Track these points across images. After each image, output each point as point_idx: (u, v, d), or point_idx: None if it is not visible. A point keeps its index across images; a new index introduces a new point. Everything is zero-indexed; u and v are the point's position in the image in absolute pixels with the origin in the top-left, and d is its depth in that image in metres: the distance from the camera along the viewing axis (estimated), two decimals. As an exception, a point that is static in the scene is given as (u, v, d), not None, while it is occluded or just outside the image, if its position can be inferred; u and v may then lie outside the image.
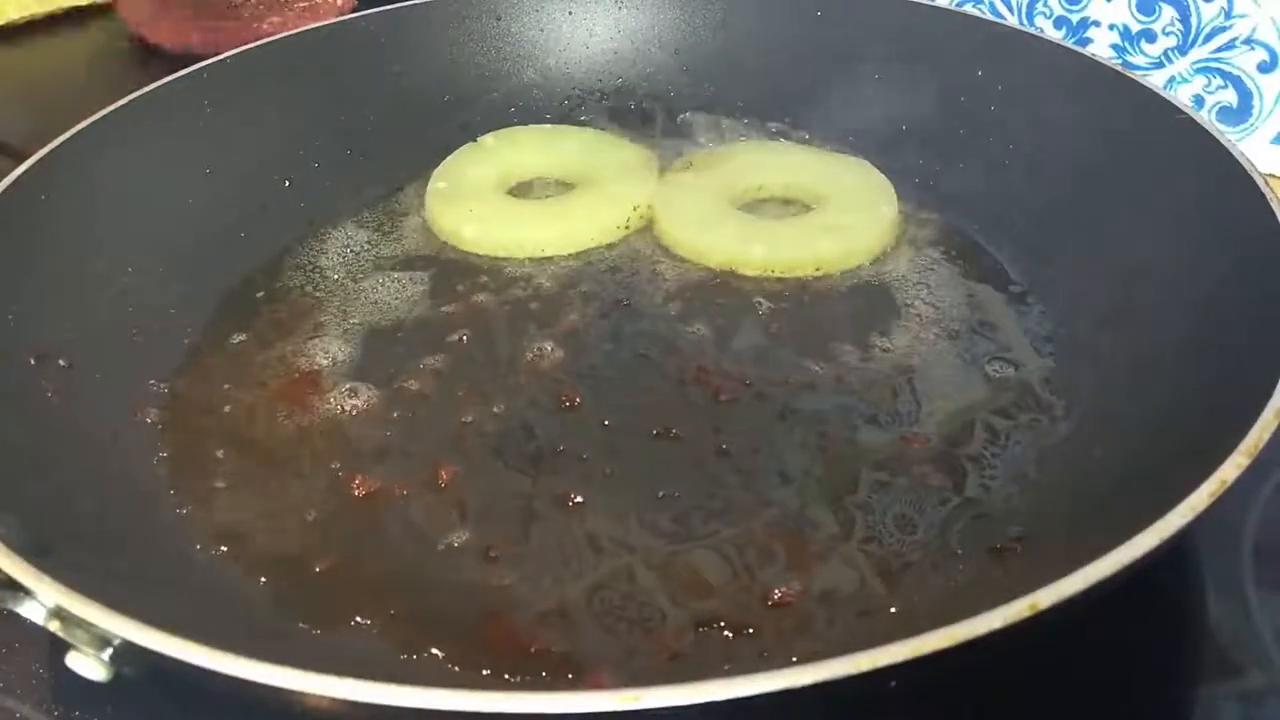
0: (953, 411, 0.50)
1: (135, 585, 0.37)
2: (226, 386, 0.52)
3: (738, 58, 0.72)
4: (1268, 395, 0.37)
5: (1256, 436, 0.36)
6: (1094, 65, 0.60)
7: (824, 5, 0.70)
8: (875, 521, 0.44)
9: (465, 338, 0.55)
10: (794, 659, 0.31)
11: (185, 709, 0.39)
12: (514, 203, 0.65)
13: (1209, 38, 0.71)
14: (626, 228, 0.63)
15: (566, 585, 0.42)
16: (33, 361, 0.48)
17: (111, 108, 0.58)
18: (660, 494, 0.46)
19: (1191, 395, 0.43)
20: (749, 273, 0.59)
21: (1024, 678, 0.40)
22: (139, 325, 0.53)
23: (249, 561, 0.44)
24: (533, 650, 0.40)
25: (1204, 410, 0.41)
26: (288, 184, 0.64)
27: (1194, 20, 0.71)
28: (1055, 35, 0.75)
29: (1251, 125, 0.72)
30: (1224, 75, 0.71)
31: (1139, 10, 0.73)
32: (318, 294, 0.59)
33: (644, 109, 0.72)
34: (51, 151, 0.55)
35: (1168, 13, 0.72)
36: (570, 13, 0.74)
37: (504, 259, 0.61)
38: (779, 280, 0.59)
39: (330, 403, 0.51)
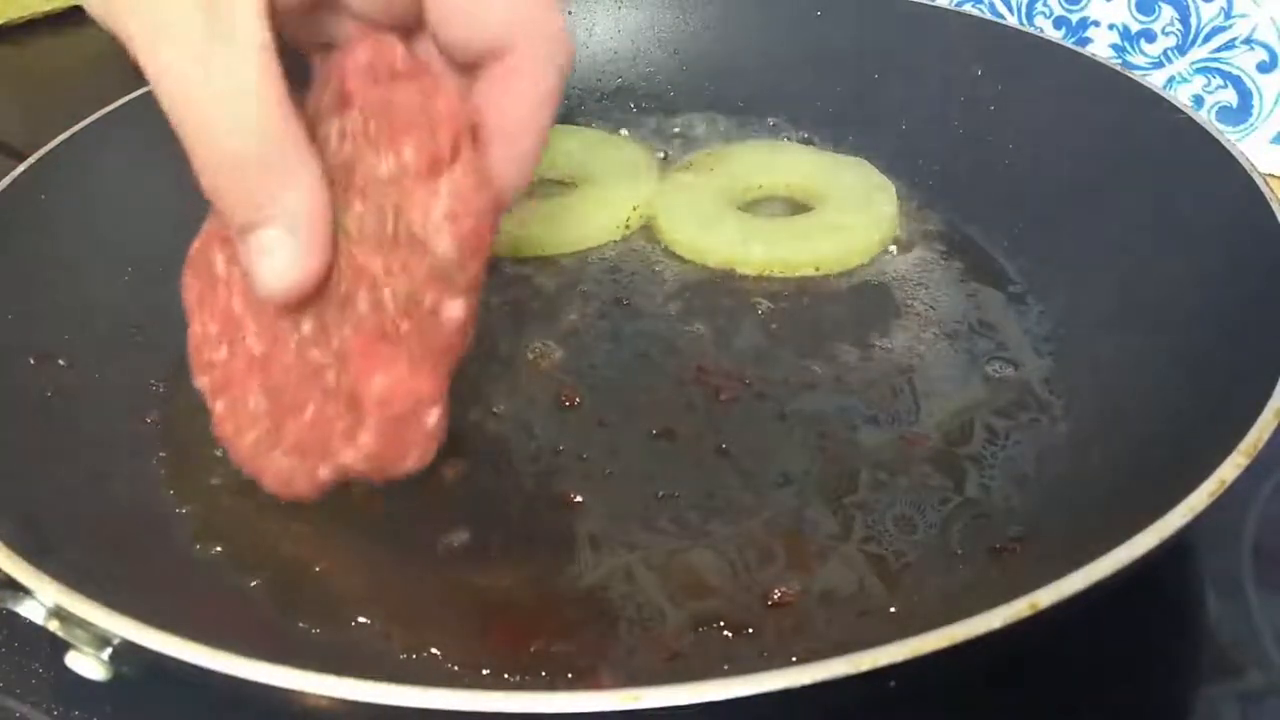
0: (952, 411, 0.50)
1: (135, 585, 0.37)
2: (226, 386, 0.52)
3: (738, 57, 0.72)
4: (1267, 395, 0.37)
5: (1256, 436, 0.36)
6: (1094, 65, 0.60)
7: (824, 5, 0.70)
8: (875, 521, 0.44)
9: (465, 337, 0.55)
10: (794, 659, 0.31)
11: (185, 709, 0.39)
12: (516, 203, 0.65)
13: (1209, 38, 0.71)
14: (626, 228, 0.63)
15: (566, 585, 0.42)
16: (32, 361, 0.48)
17: (111, 107, 0.58)
18: (660, 494, 0.46)
19: (1191, 395, 0.43)
20: (749, 273, 0.59)
21: (1024, 678, 0.40)
22: (139, 325, 0.53)
23: (249, 561, 0.44)
24: (533, 650, 0.40)
25: (1204, 410, 0.41)
26: (287, 184, 0.64)
27: (1194, 20, 0.71)
28: (1055, 35, 0.75)
29: (1251, 125, 0.72)
30: (1224, 75, 0.71)
31: (1138, 10, 0.73)
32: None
33: (644, 109, 0.73)
34: (51, 151, 0.55)
35: (1167, 12, 0.72)
36: (569, 12, 0.74)
37: (504, 259, 0.61)
38: (779, 280, 0.59)
39: (330, 403, 0.51)
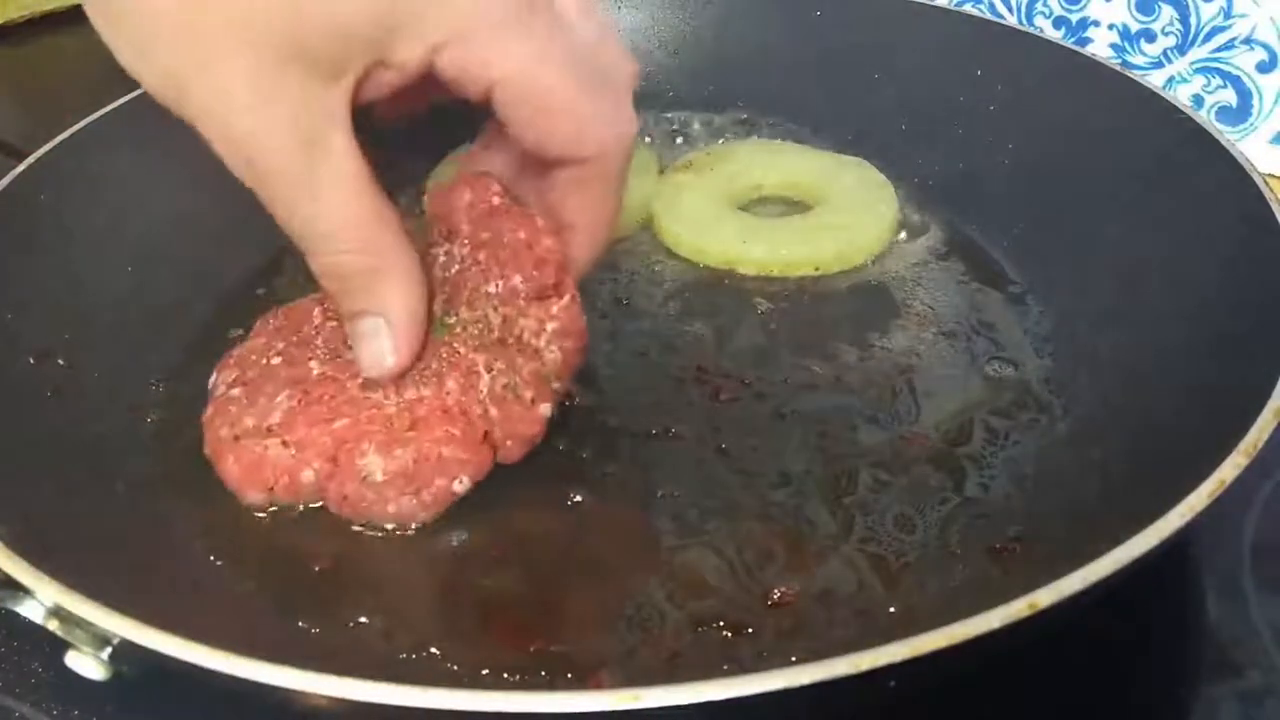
0: (952, 411, 0.50)
1: (135, 585, 0.37)
2: (226, 386, 0.52)
3: (738, 58, 0.72)
4: (1266, 395, 0.37)
5: (1255, 436, 0.36)
6: (1093, 65, 0.60)
7: (824, 5, 0.70)
8: (874, 521, 0.44)
9: (465, 337, 0.55)
10: (793, 659, 0.31)
11: (185, 708, 0.39)
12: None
13: (1208, 37, 0.71)
14: (626, 228, 0.63)
15: (566, 585, 0.42)
16: (32, 361, 0.48)
17: (111, 107, 0.58)
18: (660, 493, 0.46)
19: (1191, 395, 0.43)
20: (748, 272, 0.59)
21: (1024, 678, 0.40)
22: (138, 324, 0.53)
23: (248, 561, 0.44)
24: (532, 650, 0.40)
25: (1203, 410, 0.41)
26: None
27: (1193, 20, 0.71)
28: (1055, 35, 0.75)
29: (1251, 125, 0.72)
30: (1223, 75, 0.71)
31: (1138, 10, 0.73)
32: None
33: (643, 109, 0.72)
34: (51, 151, 0.55)
35: (1167, 12, 0.72)
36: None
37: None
38: (778, 280, 0.59)
39: (330, 402, 0.51)
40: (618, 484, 0.47)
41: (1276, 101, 0.70)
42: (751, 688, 0.29)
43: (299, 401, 0.46)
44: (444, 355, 0.46)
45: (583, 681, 0.38)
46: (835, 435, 0.49)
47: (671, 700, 0.29)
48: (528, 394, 0.45)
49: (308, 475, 0.44)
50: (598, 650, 0.40)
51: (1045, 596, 0.31)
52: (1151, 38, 0.73)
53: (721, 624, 0.40)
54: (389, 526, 0.44)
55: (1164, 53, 0.73)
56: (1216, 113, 0.72)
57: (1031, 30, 0.69)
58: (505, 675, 0.39)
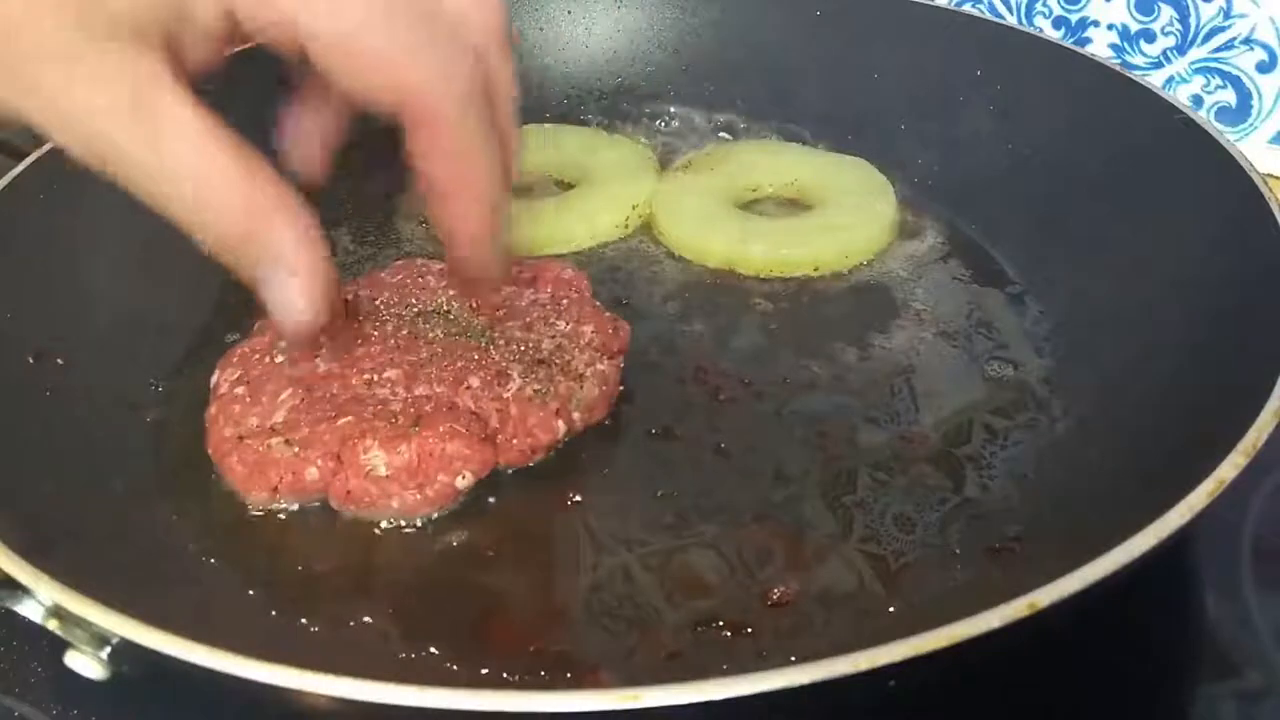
0: (951, 411, 0.50)
1: (134, 584, 0.37)
2: (226, 386, 0.52)
3: (737, 57, 0.72)
4: (1266, 395, 0.37)
5: (1255, 436, 0.36)
6: (1093, 65, 0.60)
7: (824, 5, 0.70)
8: (874, 521, 0.44)
9: (465, 337, 0.55)
10: (792, 659, 0.30)
11: (185, 708, 0.39)
12: (513, 202, 0.65)
13: (1208, 38, 0.71)
14: (626, 227, 0.63)
15: (566, 585, 0.42)
16: (31, 360, 0.48)
17: (111, 107, 0.58)
18: (659, 493, 0.46)
19: (1190, 395, 0.43)
20: (748, 273, 0.59)
21: (1023, 678, 0.40)
22: (138, 324, 0.53)
23: (248, 561, 0.44)
24: (532, 650, 0.40)
25: (1203, 410, 0.41)
26: (287, 183, 0.64)
27: (1193, 20, 0.71)
28: (1054, 35, 0.75)
29: (1250, 125, 0.72)
30: (1223, 75, 0.71)
31: (1138, 10, 0.73)
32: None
33: (643, 108, 0.73)
34: (51, 151, 0.55)
35: (1166, 12, 0.72)
36: (569, 12, 0.74)
37: (503, 258, 0.61)
38: (778, 280, 0.59)
39: (330, 402, 0.51)
40: (618, 484, 0.47)
41: (1276, 102, 0.70)
42: (751, 688, 0.29)
43: (302, 400, 0.46)
44: (475, 357, 0.48)
45: (582, 681, 0.38)
46: (835, 435, 0.49)
47: (671, 700, 0.29)
48: (554, 405, 0.47)
49: (312, 473, 0.44)
50: (597, 650, 0.40)
51: (1045, 596, 0.31)
52: (1151, 38, 0.73)
53: (721, 624, 0.40)
54: (392, 522, 0.44)
55: (1163, 53, 0.73)
56: (1216, 113, 0.72)
57: (1031, 30, 0.69)
58: (505, 675, 0.39)
